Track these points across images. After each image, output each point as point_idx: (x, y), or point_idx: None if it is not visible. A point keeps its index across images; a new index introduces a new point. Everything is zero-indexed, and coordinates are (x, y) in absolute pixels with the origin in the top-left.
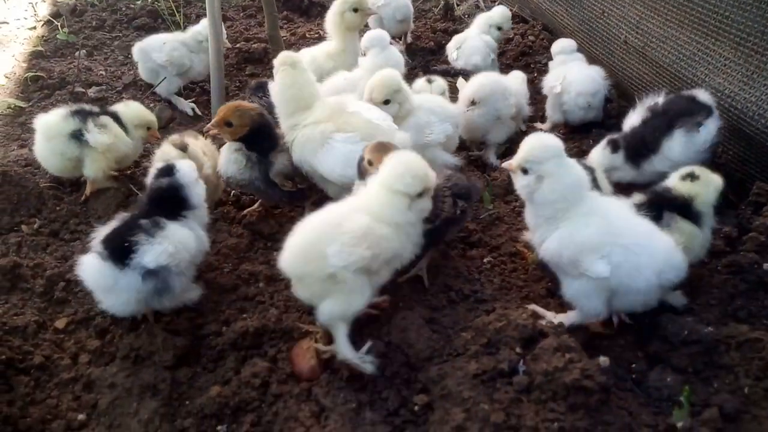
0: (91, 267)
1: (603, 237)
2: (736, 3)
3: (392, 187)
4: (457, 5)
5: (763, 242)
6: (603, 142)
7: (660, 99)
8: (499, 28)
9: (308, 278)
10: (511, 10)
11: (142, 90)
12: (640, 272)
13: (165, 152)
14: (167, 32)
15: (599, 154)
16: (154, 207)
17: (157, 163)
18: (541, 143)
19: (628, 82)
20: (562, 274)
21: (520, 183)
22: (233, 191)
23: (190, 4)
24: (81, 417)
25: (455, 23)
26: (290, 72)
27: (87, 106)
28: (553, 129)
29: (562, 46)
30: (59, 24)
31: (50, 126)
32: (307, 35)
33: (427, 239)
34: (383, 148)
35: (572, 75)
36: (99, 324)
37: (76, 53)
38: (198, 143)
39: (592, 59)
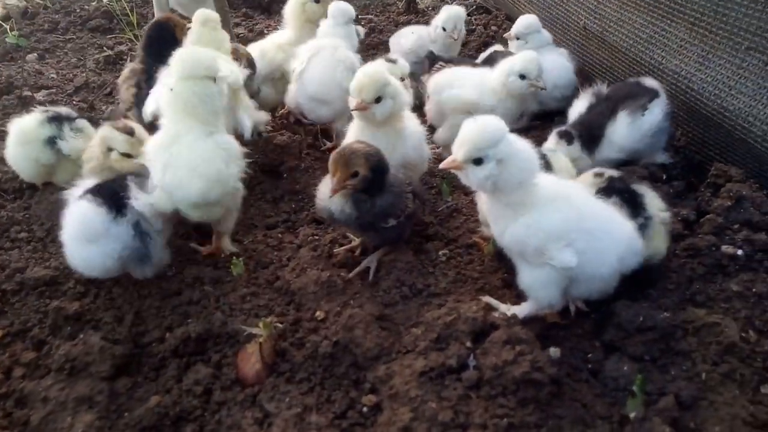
0: (81, 212)
1: (569, 223)
2: None
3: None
4: None
5: (720, 224)
6: (553, 137)
7: (604, 87)
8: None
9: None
10: (475, 1)
11: (93, 92)
12: (604, 258)
13: (110, 137)
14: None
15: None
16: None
17: (95, 147)
18: (487, 127)
19: (589, 68)
20: (520, 262)
21: (478, 175)
22: None
23: (147, 4)
24: None
25: (418, 16)
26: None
27: (64, 111)
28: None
29: (526, 24)
30: (8, 27)
31: (25, 131)
32: (265, 31)
33: (391, 234)
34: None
35: (547, 65)
36: (36, 335)
37: (28, 57)
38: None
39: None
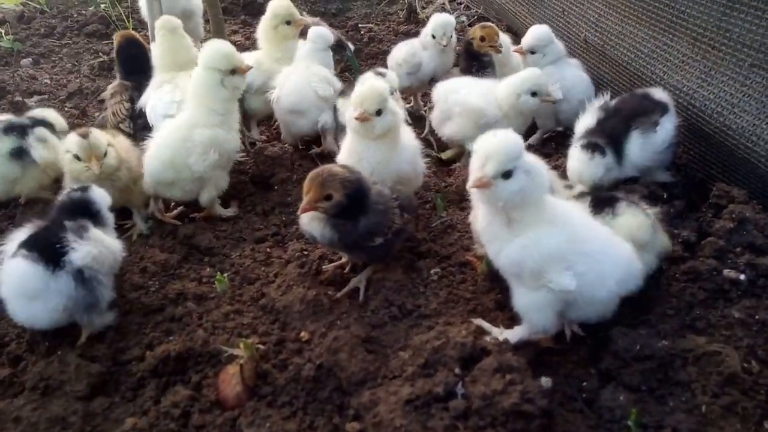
0: (17, 271)
1: (569, 245)
2: None
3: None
4: (423, 9)
5: (722, 247)
6: (584, 152)
7: (609, 98)
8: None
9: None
10: (476, 12)
11: (86, 98)
12: (603, 282)
13: (69, 139)
14: None
15: (590, 163)
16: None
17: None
18: (510, 138)
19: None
20: (516, 284)
21: (510, 189)
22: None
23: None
24: None
25: (418, 26)
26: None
27: (16, 119)
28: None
29: (539, 36)
30: (3, 31)
31: None
32: None
33: (379, 252)
34: None
35: (567, 81)
36: (13, 351)
37: (21, 61)
38: (115, 140)
39: None
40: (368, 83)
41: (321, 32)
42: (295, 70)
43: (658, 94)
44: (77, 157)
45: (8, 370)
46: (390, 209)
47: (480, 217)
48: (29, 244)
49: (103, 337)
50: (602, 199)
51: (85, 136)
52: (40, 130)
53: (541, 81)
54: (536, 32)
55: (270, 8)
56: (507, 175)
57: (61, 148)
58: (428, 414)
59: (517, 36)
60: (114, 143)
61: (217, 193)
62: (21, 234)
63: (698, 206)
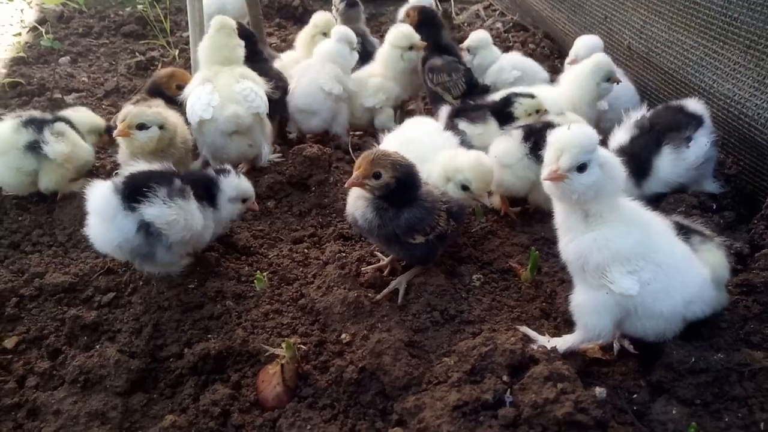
0: (101, 192)
1: (639, 249)
2: (744, 4)
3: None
4: (457, 14)
5: None
6: None
7: (646, 115)
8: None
9: None
10: (512, 18)
11: (123, 97)
12: (668, 296)
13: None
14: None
15: None
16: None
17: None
18: (585, 131)
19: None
20: (578, 280)
21: (584, 182)
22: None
23: (181, 12)
24: None
25: (453, 31)
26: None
27: (38, 114)
28: None
29: (589, 45)
30: (44, 30)
31: (1, 139)
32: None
33: (419, 253)
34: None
35: (616, 89)
36: (52, 343)
37: (60, 60)
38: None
39: None
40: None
41: (344, 31)
42: (309, 68)
43: (693, 105)
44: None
45: (48, 363)
46: (436, 210)
47: (556, 211)
48: (127, 177)
49: (141, 332)
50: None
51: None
52: (59, 125)
53: (611, 64)
54: (586, 42)
55: (312, 20)
56: (581, 168)
57: (82, 145)
58: (476, 421)
59: (554, 43)
60: (166, 116)
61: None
62: (139, 167)
63: (748, 218)
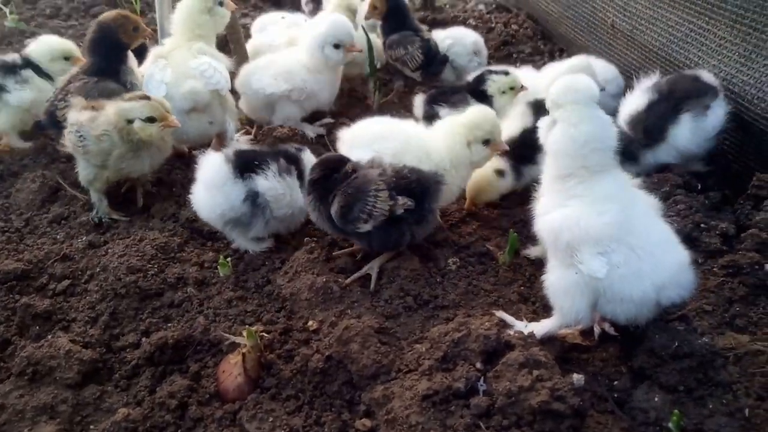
0: (212, 161)
1: (611, 230)
2: None
3: None
4: None
5: (764, 240)
6: None
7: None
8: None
9: None
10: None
11: None
12: (639, 280)
13: (126, 108)
14: None
15: None
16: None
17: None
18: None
19: (617, 69)
20: (552, 258)
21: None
22: None
23: None
24: None
25: (434, 13)
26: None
27: (9, 58)
28: None
29: None
30: (8, 10)
31: None
32: None
33: (378, 239)
34: None
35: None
36: (1, 333)
37: (26, 42)
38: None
39: (578, 46)
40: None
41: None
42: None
43: (707, 76)
44: (151, 119)
45: None
46: (369, 193)
47: (541, 188)
48: (237, 151)
49: (97, 321)
50: None
51: (145, 97)
52: (26, 72)
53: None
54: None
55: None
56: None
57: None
58: (447, 411)
59: (537, 24)
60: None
61: None
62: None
63: (733, 199)
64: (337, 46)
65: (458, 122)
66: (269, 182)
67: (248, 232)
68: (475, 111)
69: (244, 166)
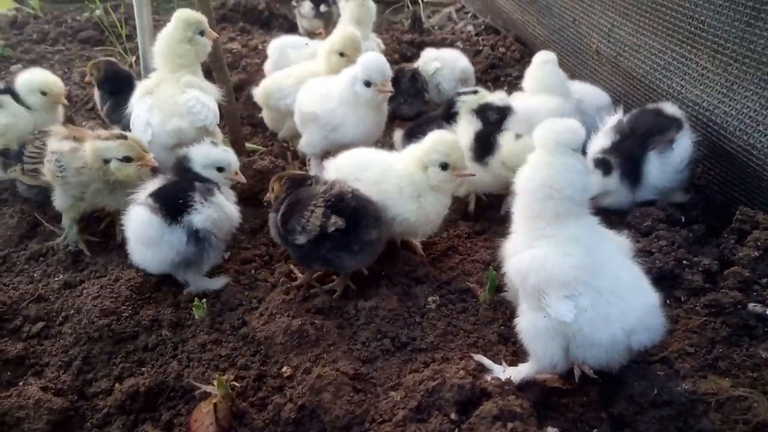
0: (139, 217)
1: (578, 273)
2: (711, 7)
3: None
4: (429, 17)
5: (747, 278)
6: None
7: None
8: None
9: None
10: (483, 21)
11: (75, 106)
12: (607, 325)
13: (102, 147)
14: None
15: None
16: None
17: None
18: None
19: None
20: (522, 298)
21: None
22: None
23: None
24: None
25: (422, 35)
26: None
27: None
28: None
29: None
30: None
31: None
32: (259, 47)
33: (308, 256)
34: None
35: (580, 89)
36: None
37: (12, 68)
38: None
39: (564, 71)
40: None
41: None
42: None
43: (670, 108)
44: (127, 159)
45: None
46: (306, 207)
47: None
48: (155, 195)
49: (70, 366)
50: None
51: (122, 137)
52: (3, 97)
53: None
54: None
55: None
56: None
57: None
58: None
59: (525, 46)
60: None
61: None
62: (153, 184)
63: (719, 231)
64: (368, 84)
65: (417, 147)
66: (202, 214)
67: (202, 267)
68: (433, 135)
69: (172, 208)
